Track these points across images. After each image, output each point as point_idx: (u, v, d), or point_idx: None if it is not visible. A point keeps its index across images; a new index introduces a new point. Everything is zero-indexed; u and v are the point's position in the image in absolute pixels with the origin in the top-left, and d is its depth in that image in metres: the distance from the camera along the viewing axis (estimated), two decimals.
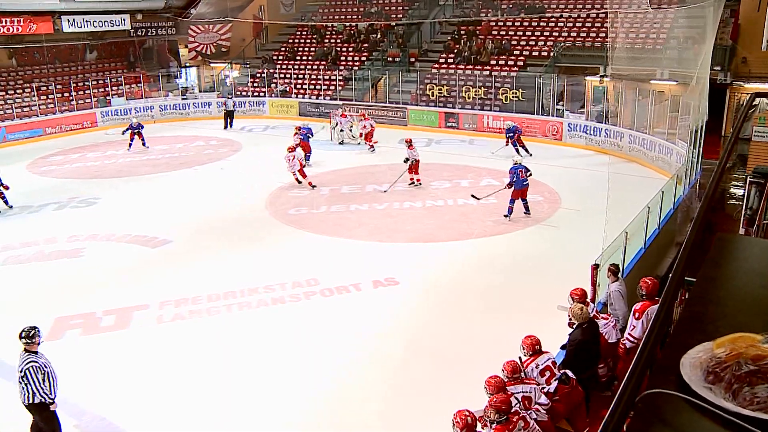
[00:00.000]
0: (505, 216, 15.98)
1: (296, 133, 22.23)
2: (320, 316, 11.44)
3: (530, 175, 16.10)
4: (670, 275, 2.07)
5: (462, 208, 17.14)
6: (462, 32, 30.68)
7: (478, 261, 13.72)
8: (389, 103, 29.45)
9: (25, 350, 7.55)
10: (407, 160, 18.87)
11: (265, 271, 13.38)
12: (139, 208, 18.26)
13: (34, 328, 7.64)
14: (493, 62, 28.37)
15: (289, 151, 19.67)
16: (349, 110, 27.74)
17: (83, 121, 30.86)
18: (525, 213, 16.12)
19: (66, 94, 31.20)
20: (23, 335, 7.55)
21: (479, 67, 28.46)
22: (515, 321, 10.54)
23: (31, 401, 7.52)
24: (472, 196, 17.42)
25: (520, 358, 7.23)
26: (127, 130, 25.63)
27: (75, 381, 9.25)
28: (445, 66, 29.54)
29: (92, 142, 27.81)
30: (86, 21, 31.77)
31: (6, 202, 18.22)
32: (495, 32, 29.90)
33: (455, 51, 29.90)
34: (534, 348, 7.29)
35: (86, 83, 32.27)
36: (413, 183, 19.15)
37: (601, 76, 24.96)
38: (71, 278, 13.51)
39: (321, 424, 8.56)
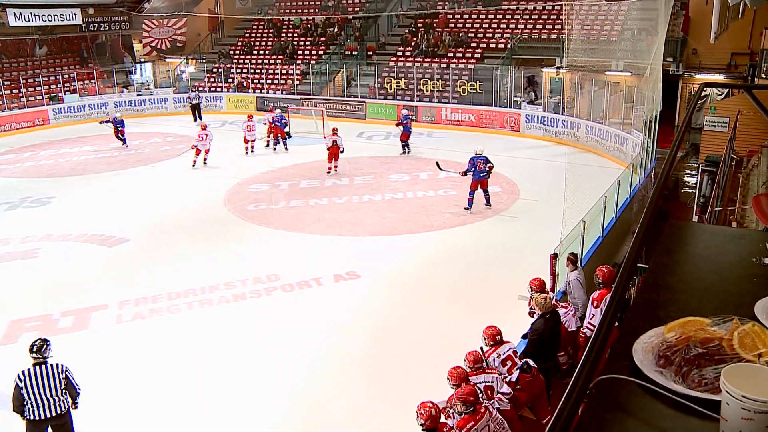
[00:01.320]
0: (466, 209, 16.08)
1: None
2: (282, 312, 11.41)
3: (491, 167, 16.15)
4: (623, 262, 2.11)
5: (422, 200, 17.21)
6: (419, 25, 30.77)
7: (439, 253, 13.81)
8: (347, 96, 29.38)
9: (35, 364, 7.20)
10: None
11: (226, 268, 13.28)
12: (94, 207, 17.93)
13: (45, 340, 7.32)
14: (450, 55, 28.51)
15: (203, 129, 21.72)
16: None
17: (35, 118, 30.10)
18: (486, 204, 16.23)
19: (15, 91, 30.39)
20: (35, 349, 7.19)
21: (437, 59, 28.57)
22: (477, 312, 10.64)
23: (66, 408, 7.32)
24: (436, 163, 17.47)
25: (481, 348, 7.29)
26: (107, 122, 25.32)
27: None
28: (402, 59, 29.59)
29: (45, 140, 27.22)
30: (34, 15, 30.77)
31: None
32: (452, 25, 30.05)
33: (413, 44, 29.98)
34: (495, 338, 7.37)
35: (36, 80, 31.48)
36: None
37: (558, 68, 25.25)
38: (26, 280, 13.22)
39: (288, 421, 8.53)
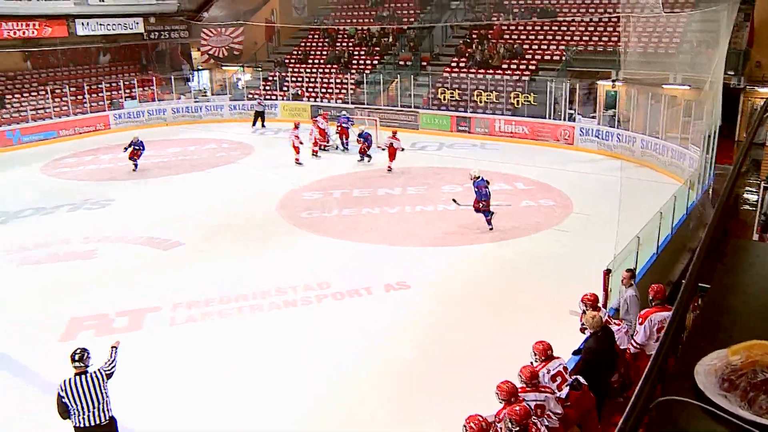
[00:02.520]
0: (491, 228, 15.76)
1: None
2: (331, 320, 11.47)
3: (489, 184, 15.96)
4: (684, 282, 2.07)
5: (474, 212, 17.10)
6: (474, 36, 30.67)
7: (490, 265, 13.72)
8: (401, 106, 29.44)
9: (77, 374, 7.29)
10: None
11: (277, 274, 13.42)
12: (151, 210, 18.35)
13: (85, 349, 7.40)
14: (504, 66, 28.34)
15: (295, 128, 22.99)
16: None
17: (96, 123, 31.03)
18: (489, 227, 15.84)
19: (80, 97, 31.37)
20: (77, 358, 7.27)
21: (491, 71, 28.43)
22: (526, 326, 10.54)
23: (111, 416, 7.42)
24: (453, 200, 17.20)
25: (531, 363, 7.21)
26: (129, 147, 22.79)
27: None
28: (456, 70, 29.53)
29: (105, 145, 27.95)
30: (100, 24, 32.05)
31: None
32: (507, 36, 29.86)
33: (467, 55, 29.89)
34: (545, 353, 7.26)
35: (99, 86, 32.41)
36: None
37: (614, 81, 24.90)
38: (85, 279, 13.60)
39: (332, 429, 8.58)
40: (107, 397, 7.32)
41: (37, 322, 11.65)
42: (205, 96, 35.14)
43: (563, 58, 27.39)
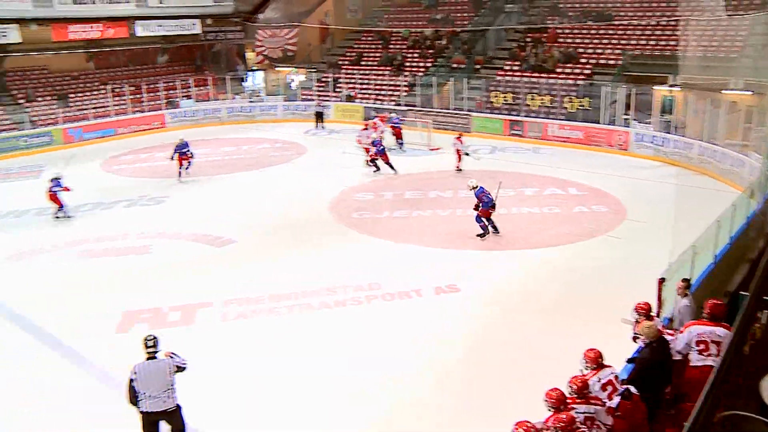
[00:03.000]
0: (484, 235, 15.50)
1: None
2: (380, 321, 11.50)
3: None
4: (747, 295, 2.03)
5: (526, 216, 16.97)
6: (528, 39, 30.39)
7: (541, 270, 13.57)
8: (453, 109, 29.35)
9: (148, 359, 7.56)
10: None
11: (327, 274, 13.51)
12: (205, 208, 18.69)
13: (156, 337, 7.68)
14: (559, 70, 28.02)
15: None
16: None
17: (153, 121, 31.80)
18: (495, 232, 15.62)
19: (138, 96, 32.17)
20: (150, 345, 7.56)
21: (545, 74, 28.14)
22: (577, 332, 10.40)
23: (176, 403, 7.64)
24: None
25: (581, 371, 7.11)
26: (175, 152, 21.92)
27: None
28: (510, 73, 29.31)
29: (161, 142, 28.53)
30: (159, 26, 32.90)
31: (62, 209, 18.08)
32: (561, 40, 29.52)
33: (521, 58, 29.64)
34: (596, 361, 7.15)
35: (157, 85, 33.18)
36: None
37: (671, 85, 24.39)
38: (140, 273, 13.92)
39: (378, 429, 8.61)
40: (174, 385, 7.54)
41: (93, 314, 11.98)
42: (259, 96, 35.61)
43: (619, 62, 26.95)
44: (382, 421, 8.71)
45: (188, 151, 21.98)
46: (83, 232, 16.74)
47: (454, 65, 31.60)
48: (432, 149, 25.23)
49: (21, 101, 29.94)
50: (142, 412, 7.52)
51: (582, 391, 6.60)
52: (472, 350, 10.40)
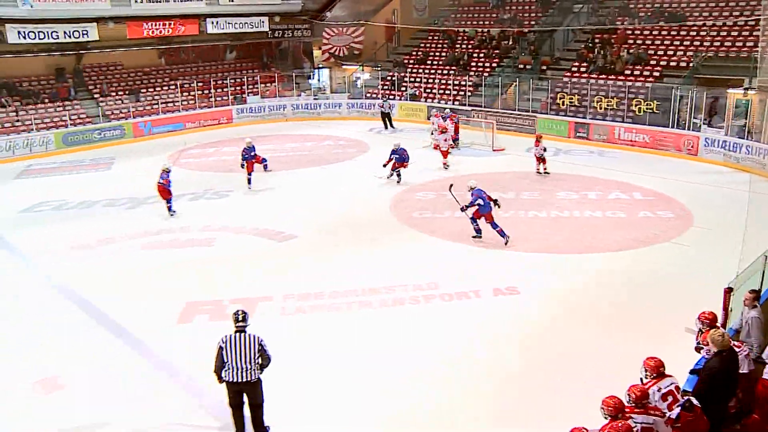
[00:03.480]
0: (476, 236, 15.36)
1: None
2: (438, 320, 11.43)
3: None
4: None
5: (588, 220, 16.64)
6: (596, 40, 29.81)
7: (603, 276, 13.27)
8: (518, 110, 29.03)
9: (236, 331, 8.02)
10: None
11: (387, 272, 13.53)
12: (268, 203, 18.96)
13: (245, 312, 8.18)
14: (627, 72, 27.39)
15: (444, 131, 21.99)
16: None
17: (220, 117, 32.47)
18: (502, 237, 15.11)
19: (206, 92, 32.90)
20: (239, 318, 8.07)
21: (613, 76, 27.55)
22: (636, 340, 10.18)
23: (258, 377, 8.06)
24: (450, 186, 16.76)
25: (641, 379, 6.92)
26: (245, 158, 20.47)
27: (202, 363, 9.70)
28: (577, 75, 28.81)
29: (227, 137, 29.07)
30: (228, 23, 33.50)
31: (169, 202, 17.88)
32: (631, 41, 28.83)
33: (588, 59, 29.10)
34: (657, 370, 6.94)
35: (225, 81, 33.86)
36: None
37: (746, 89, 23.55)
38: (202, 266, 14.18)
39: (430, 426, 8.58)
40: (256, 360, 7.95)
41: (156, 304, 12.27)
42: (325, 93, 35.90)
43: (690, 64, 26.17)
44: (433, 421, 8.67)
45: (255, 154, 20.64)
46: (149, 224, 17.16)
47: (520, 66, 31.26)
48: (495, 150, 25.00)
49: (96, 96, 30.97)
50: (226, 382, 8.01)
51: (641, 401, 6.42)
52: (528, 353, 10.25)
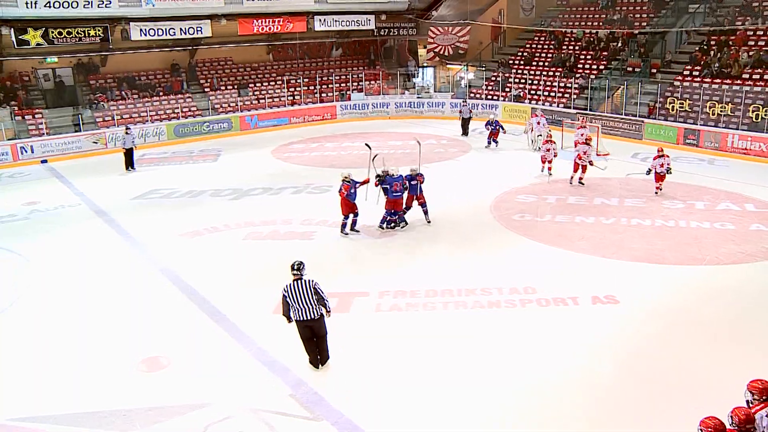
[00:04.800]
0: (383, 227, 16.31)
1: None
2: (533, 326, 11.28)
3: (406, 188, 16.38)
4: None
5: (695, 231, 15.99)
6: (712, 42, 28.53)
7: (708, 289, 12.71)
8: (625, 114, 28.18)
9: (295, 279, 9.64)
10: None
11: (484, 274, 13.45)
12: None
13: (302, 262, 9.87)
14: (745, 76, 26.11)
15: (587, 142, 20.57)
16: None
17: (324, 113, 33.16)
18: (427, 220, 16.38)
19: (311, 88, 33.68)
20: (296, 267, 9.76)
21: (728, 80, 26.32)
22: (744, 360, 9.70)
23: (320, 314, 9.70)
24: (367, 144, 18.27)
25: (747, 402, 6.63)
26: (488, 124, 26.12)
27: (295, 354, 9.99)
28: (689, 78, 27.68)
29: (331, 133, 29.59)
30: (335, 21, 34.23)
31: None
32: (752, 42, 27.42)
33: (702, 62, 27.89)
34: (765, 393, 6.64)
35: (330, 78, 34.51)
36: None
37: None
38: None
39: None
40: (315, 301, 9.60)
41: (254, 293, 12.67)
42: (428, 92, 36.01)
43: None
44: (518, 424, 8.59)
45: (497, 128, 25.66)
46: (251, 215, 17.74)
47: (629, 69, 30.30)
48: (599, 154, 24.38)
49: (206, 90, 32.23)
50: (295, 320, 9.67)
51: (745, 425, 6.14)
52: (625, 366, 9.94)
